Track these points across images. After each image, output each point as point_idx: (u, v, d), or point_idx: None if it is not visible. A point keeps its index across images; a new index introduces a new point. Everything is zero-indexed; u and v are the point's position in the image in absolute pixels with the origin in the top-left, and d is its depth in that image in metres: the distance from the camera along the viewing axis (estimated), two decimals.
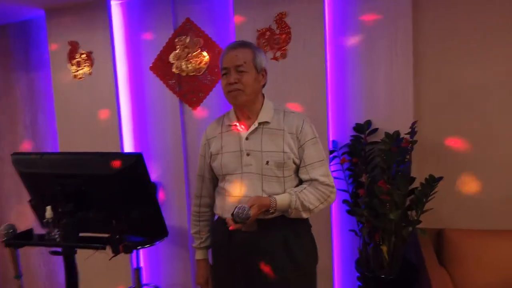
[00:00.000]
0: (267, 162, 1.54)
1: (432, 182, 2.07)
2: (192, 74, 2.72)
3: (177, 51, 2.71)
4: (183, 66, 2.72)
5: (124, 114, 2.84)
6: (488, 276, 2.17)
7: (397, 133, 2.24)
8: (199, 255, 1.80)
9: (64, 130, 2.92)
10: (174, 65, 2.73)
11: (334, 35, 2.43)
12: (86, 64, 2.80)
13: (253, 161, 1.56)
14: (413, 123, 2.09)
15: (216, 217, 1.78)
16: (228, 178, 1.60)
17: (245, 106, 1.61)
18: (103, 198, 1.49)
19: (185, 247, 2.78)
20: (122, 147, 2.81)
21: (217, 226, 1.71)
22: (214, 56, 2.67)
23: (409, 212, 2.19)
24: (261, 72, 1.61)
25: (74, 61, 2.83)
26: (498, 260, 2.18)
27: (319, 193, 1.53)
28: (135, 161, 1.42)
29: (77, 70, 2.83)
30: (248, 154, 1.57)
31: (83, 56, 2.80)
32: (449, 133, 2.32)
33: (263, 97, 1.68)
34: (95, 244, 1.45)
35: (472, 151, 2.32)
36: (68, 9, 2.80)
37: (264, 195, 1.53)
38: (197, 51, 2.69)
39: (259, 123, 1.59)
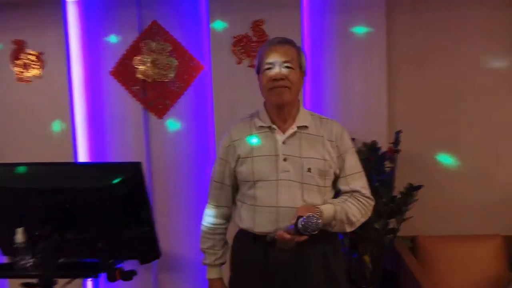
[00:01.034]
0: (309, 169, 1.40)
1: (411, 190, 2.12)
2: (159, 80, 2.53)
3: (142, 56, 2.51)
4: (149, 72, 2.52)
5: (79, 123, 2.55)
6: (460, 279, 2.26)
7: (374, 142, 2.27)
8: (213, 273, 1.58)
9: (1, 141, 2.54)
10: (139, 71, 2.52)
11: (311, 46, 2.43)
12: (36, 66, 2.47)
13: (291, 167, 1.40)
14: (398, 132, 2.14)
15: (236, 231, 1.58)
16: (261, 185, 1.42)
17: (286, 107, 1.46)
18: (91, 217, 1.27)
19: (148, 270, 2.54)
20: (76, 161, 2.51)
21: (243, 242, 1.51)
22: (184, 62, 2.52)
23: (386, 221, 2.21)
24: (303, 73, 1.48)
25: (20, 62, 2.49)
26: (468, 263, 2.28)
27: (361, 206, 1.43)
28: (134, 173, 1.24)
29: (23, 73, 2.49)
30: (285, 159, 1.41)
31: (31, 57, 2.48)
32: (421, 142, 2.40)
33: (298, 100, 1.54)
34: (83, 271, 1.22)
35: (441, 159, 2.43)
36: (13, 4, 2.46)
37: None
38: (165, 56, 2.52)
39: (298, 127, 1.46)
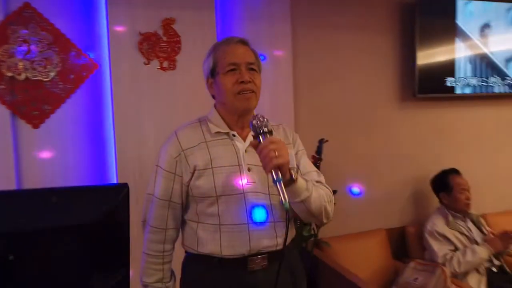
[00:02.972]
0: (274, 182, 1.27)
1: None
2: (34, 78, 1.97)
3: (10, 46, 1.91)
4: (20, 67, 1.93)
5: None
6: (359, 272, 2.46)
7: None
8: None
9: None
10: (6, 64, 1.91)
11: None
12: None
13: (256, 178, 1.26)
14: (320, 141, 2.21)
15: (188, 254, 1.32)
16: (225, 201, 1.23)
17: (248, 113, 1.29)
18: (47, 270, 0.86)
19: None
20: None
21: (206, 269, 1.27)
22: (70, 58, 2.04)
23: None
24: None
25: None
26: (364, 257, 2.54)
27: (325, 191, 1.28)
28: (120, 200, 0.90)
29: None
30: (249, 170, 1.25)
31: None
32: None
33: None
34: None
35: (334, 164, 2.63)
36: None
37: (273, 219, 1.25)
38: (43, 49, 1.98)
39: None
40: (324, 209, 1.25)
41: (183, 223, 1.34)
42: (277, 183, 1.08)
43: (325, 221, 1.29)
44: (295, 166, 1.33)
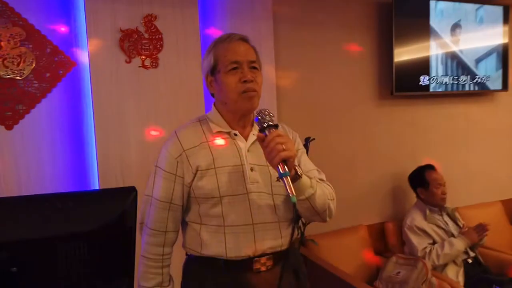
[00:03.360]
0: (278, 178, 1.21)
1: None
2: (6, 77, 1.85)
3: None
4: None
5: None
6: (343, 267, 2.51)
7: None
8: None
9: None
10: None
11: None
12: None
13: (259, 178, 1.23)
14: (307, 139, 2.21)
15: (190, 257, 1.28)
16: (229, 201, 1.20)
17: (250, 113, 1.26)
18: (50, 279, 0.80)
19: None
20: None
21: (209, 272, 1.23)
22: (45, 55, 1.93)
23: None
24: None
25: None
26: (347, 253, 2.58)
27: (329, 188, 1.28)
28: (128, 204, 0.86)
29: None
30: (252, 169, 1.23)
31: None
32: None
33: None
34: None
35: (313, 162, 2.65)
36: None
37: (277, 219, 1.23)
38: (15, 45, 1.86)
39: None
40: (328, 206, 1.25)
41: (184, 224, 1.31)
42: (283, 178, 1.07)
43: (328, 219, 1.28)
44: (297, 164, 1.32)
